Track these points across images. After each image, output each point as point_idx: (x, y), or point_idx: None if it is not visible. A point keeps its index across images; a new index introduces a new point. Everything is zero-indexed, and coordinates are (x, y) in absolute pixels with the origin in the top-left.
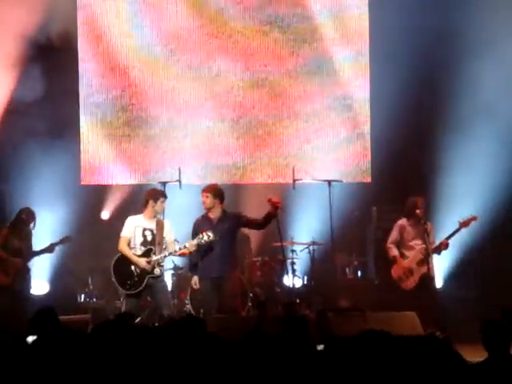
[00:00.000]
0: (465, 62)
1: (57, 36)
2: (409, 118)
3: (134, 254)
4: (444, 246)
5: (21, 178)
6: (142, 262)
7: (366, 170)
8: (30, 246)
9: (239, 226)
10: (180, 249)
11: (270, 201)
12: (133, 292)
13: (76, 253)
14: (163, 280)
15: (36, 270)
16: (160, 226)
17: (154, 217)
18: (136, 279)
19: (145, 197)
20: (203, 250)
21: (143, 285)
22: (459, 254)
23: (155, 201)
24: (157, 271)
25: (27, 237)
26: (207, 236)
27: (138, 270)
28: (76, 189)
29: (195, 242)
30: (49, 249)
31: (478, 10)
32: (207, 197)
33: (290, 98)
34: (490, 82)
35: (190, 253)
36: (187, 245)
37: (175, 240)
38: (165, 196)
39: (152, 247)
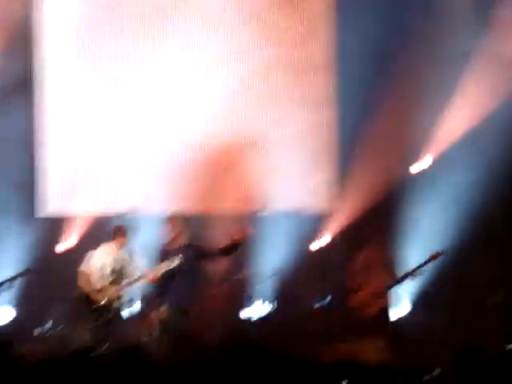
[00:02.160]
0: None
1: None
2: (377, 146)
3: (94, 290)
4: (411, 275)
5: None
6: (100, 297)
7: (331, 200)
8: None
9: (202, 256)
10: (142, 276)
11: (236, 232)
12: (100, 323)
13: (38, 284)
14: (130, 308)
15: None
16: (127, 256)
17: (121, 248)
18: (103, 309)
19: (112, 230)
20: (168, 280)
21: (107, 316)
22: (426, 282)
23: (115, 236)
24: (120, 301)
25: None
26: (178, 259)
27: (104, 300)
28: (35, 221)
29: (164, 265)
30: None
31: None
32: (174, 226)
33: (256, 126)
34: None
35: (156, 279)
36: (148, 271)
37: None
38: (123, 233)
39: (116, 276)
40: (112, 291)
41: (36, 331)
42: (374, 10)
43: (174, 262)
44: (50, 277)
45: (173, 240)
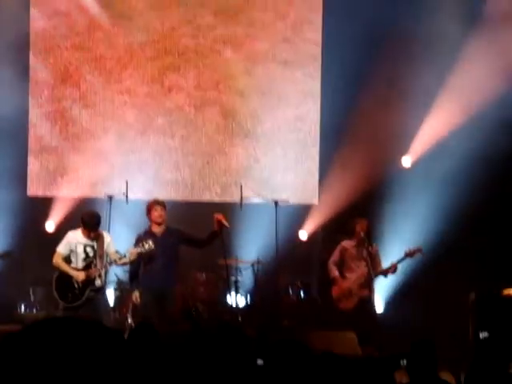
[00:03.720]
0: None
1: (7, 46)
2: (358, 142)
3: (72, 267)
4: (392, 269)
5: None
6: (80, 274)
7: (313, 192)
8: None
9: (181, 242)
10: (120, 258)
11: (217, 219)
12: (73, 305)
13: (19, 263)
14: (105, 294)
15: None
16: (100, 239)
17: (90, 235)
18: (77, 292)
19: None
20: (145, 264)
21: (84, 297)
22: (403, 278)
23: (84, 224)
24: (97, 283)
25: None
26: (148, 244)
27: (78, 283)
28: (22, 200)
29: (136, 250)
30: None
31: None
32: (163, 210)
33: (240, 116)
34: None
35: (131, 262)
36: (127, 253)
37: (116, 251)
38: (89, 225)
39: (93, 260)
40: (89, 271)
41: (15, 311)
42: (361, 7)
43: (145, 247)
44: (36, 256)
45: (156, 225)
